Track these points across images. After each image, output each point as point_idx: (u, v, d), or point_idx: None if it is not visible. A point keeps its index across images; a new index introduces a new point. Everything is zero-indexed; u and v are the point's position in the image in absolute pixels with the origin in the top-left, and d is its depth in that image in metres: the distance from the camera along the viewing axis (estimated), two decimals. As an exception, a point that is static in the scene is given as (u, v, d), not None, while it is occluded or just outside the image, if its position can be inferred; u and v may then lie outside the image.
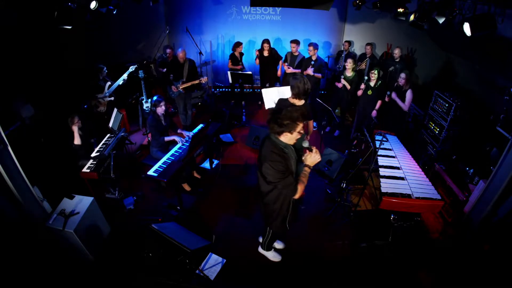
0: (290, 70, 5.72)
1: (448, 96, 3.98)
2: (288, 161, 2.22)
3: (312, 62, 5.38)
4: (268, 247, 3.11)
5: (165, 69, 5.95)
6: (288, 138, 2.19)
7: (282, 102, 3.41)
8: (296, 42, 5.63)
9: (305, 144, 2.31)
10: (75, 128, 3.70)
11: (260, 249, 3.19)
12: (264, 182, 2.34)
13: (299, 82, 3.18)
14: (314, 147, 2.28)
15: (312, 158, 2.26)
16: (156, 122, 3.86)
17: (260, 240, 3.24)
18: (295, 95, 3.24)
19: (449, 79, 4.55)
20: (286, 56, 5.90)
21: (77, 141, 3.71)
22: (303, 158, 2.33)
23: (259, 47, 6.00)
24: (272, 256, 3.17)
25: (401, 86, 4.38)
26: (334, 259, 3.21)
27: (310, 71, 5.41)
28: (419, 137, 4.65)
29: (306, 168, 2.30)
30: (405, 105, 4.33)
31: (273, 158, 2.15)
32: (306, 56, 5.82)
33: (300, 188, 2.25)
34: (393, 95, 4.45)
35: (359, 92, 4.81)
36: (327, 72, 6.12)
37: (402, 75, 4.31)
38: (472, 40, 3.16)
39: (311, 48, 5.33)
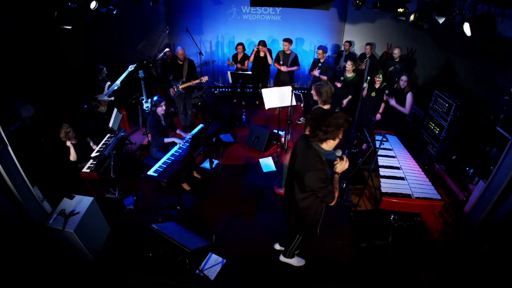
0: (285, 68, 5.77)
1: (448, 96, 3.98)
2: (327, 168, 2.21)
3: (320, 64, 5.47)
4: (293, 255, 3.05)
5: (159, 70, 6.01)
6: (329, 145, 2.17)
7: (316, 111, 3.28)
8: (288, 40, 5.72)
9: (338, 153, 2.29)
10: (69, 144, 3.56)
11: (283, 258, 3.12)
12: (299, 190, 2.33)
13: (326, 87, 3.18)
14: (344, 156, 2.29)
15: (342, 165, 2.26)
16: (156, 122, 3.86)
17: (277, 247, 3.24)
18: (324, 101, 3.23)
19: (449, 79, 4.54)
20: (278, 54, 5.94)
21: (73, 157, 3.62)
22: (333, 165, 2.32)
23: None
24: (296, 262, 3.11)
25: (401, 88, 4.37)
26: (334, 259, 3.21)
27: (316, 72, 5.48)
28: (419, 137, 4.65)
29: (336, 175, 2.31)
30: (405, 109, 4.33)
31: (318, 167, 2.13)
32: (299, 54, 5.86)
33: (336, 195, 2.26)
34: (392, 101, 4.42)
35: (364, 92, 4.84)
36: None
37: (404, 77, 4.30)
38: (472, 40, 3.16)
39: (320, 51, 5.46)
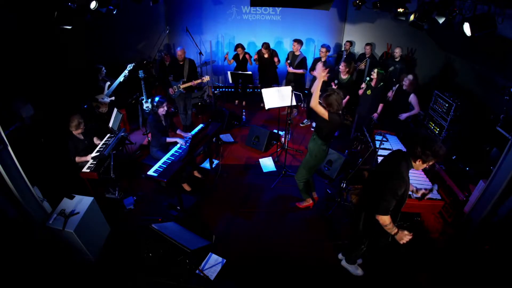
0: (291, 69, 5.75)
1: (448, 96, 3.98)
2: (407, 185, 2.23)
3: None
4: (354, 261, 3.04)
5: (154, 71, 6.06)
6: (417, 165, 2.21)
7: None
8: (298, 41, 5.65)
9: (434, 188, 2.50)
10: (83, 159, 3.64)
11: (345, 264, 3.10)
12: (377, 195, 2.34)
13: (335, 95, 2.97)
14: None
15: (406, 238, 2.34)
16: (157, 122, 3.87)
17: (340, 257, 3.19)
18: (336, 110, 3.04)
19: (449, 79, 4.55)
20: (288, 55, 5.92)
21: (79, 159, 3.67)
22: (397, 233, 2.35)
23: (259, 48, 6.03)
24: (355, 270, 3.08)
25: (404, 89, 4.36)
26: (334, 259, 3.21)
27: (315, 73, 5.41)
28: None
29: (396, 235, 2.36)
30: (415, 110, 4.36)
31: (403, 176, 2.18)
32: (307, 56, 5.83)
33: (390, 225, 2.30)
34: (402, 116, 4.42)
35: (360, 92, 4.81)
36: (328, 73, 6.15)
37: (410, 76, 4.28)
38: (472, 40, 3.16)
39: (324, 49, 5.36)
